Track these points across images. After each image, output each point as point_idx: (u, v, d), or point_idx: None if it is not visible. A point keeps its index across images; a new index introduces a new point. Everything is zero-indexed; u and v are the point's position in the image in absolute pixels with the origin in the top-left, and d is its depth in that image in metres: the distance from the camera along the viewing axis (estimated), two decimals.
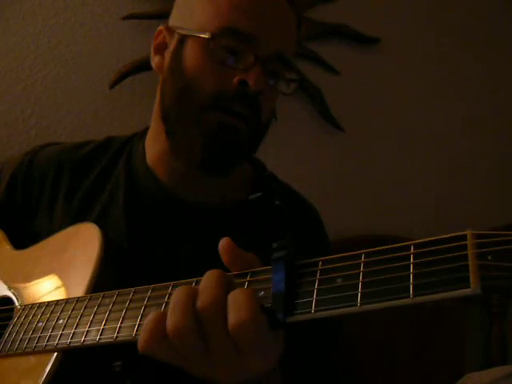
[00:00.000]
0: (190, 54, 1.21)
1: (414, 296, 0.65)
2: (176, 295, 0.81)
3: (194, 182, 1.30)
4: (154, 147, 1.34)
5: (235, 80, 1.17)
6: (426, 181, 2.64)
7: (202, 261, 0.97)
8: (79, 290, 1.07)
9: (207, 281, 0.80)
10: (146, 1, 2.36)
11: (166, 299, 0.89)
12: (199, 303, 0.78)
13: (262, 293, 0.79)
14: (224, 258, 0.84)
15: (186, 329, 0.77)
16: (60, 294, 1.12)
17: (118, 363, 1.01)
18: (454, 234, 0.66)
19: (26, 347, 1.04)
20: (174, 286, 0.90)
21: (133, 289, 0.96)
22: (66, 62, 2.31)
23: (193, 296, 0.79)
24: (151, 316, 0.81)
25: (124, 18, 2.32)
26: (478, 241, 0.63)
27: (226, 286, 0.78)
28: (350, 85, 2.56)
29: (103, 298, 0.99)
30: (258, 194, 0.81)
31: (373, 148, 2.60)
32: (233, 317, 0.75)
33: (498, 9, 2.72)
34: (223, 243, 0.84)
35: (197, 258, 1.21)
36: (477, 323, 2.49)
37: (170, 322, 0.78)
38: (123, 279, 1.12)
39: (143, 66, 2.25)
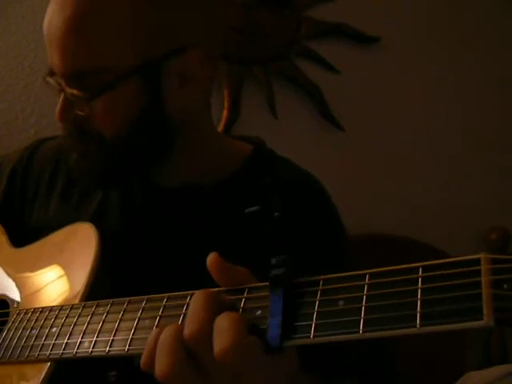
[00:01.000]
0: None
1: (421, 326, 0.62)
2: (162, 337, 0.79)
3: (167, 167, 1.26)
4: None
5: None
6: (426, 180, 2.63)
7: (194, 248, 0.96)
8: (76, 292, 1.07)
9: (194, 305, 0.78)
10: None
11: (160, 312, 0.87)
12: (187, 331, 0.76)
13: (259, 312, 0.76)
14: (213, 274, 0.81)
15: (175, 370, 0.76)
16: (57, 296, 1.11)
17: (113, 373, 1.00)
18: (466, 258, 0.62)
19: (18, 355, 1.02)
20: (169, 298, 0.88)
21: (127, 299, 0.94)
22: None
23: (179, 334, 0.77)
24: (148, 345, 0.80)
25: None
26: (492, 266, 0.59)
27: (215, 309, 0.76)
28: (350, 84, 2.54)
29: (97, 306, 0.97)
30: (256, 208, 0.79)
31: (373, 147, 2.59)
32: (216, 345, 0.72)
33: (498, 8, 2.70)
34: (211, 259, 0.81)
35: (189, 245, 1.20)
36: None
37: (159, 367, 0.77)
38: (121, 279, 1.11)
39: None
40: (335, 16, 2.49)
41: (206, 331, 0.74)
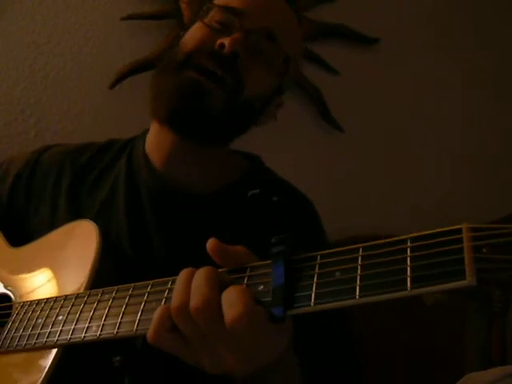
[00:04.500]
0: (194, 28, 1.31)
1: (412, 288, 0.66)
2: (179, 277, 0.85)
3: (184, 163, 1.32)
4: (150, 132, 1.39)
5: (216, 43, 1.23)
6: (425, 181, 2.64)
7: (198, 250, 0.97)
8: (78, 287, 1.08)
9: (197, 281, 0.82)
10: (146, 1, 2.36)
11: (165, 294, 0.89)
12: (192, 304, 0.79)
13: (262, 287, 0.80)
14: (215, 259, 0.85)
15: (184, 306, 0.80)
16: (59, 291, 1.12)
17: (118, 358, 1.01)
18: (449, 228, 0.68)
19: (25, 344, 1.04)
20: (173, 282, 0.90)
21: (132, 284, 0.96)
22: (66, 62, 2.31)
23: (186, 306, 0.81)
24: (160, 307, 0.84)
25: (124, 18, 2.32)
26: (473, 234, 0.65)
27: (216, 284, 0.80)
28: (350, 85, 2.56)
29: (102, 294, 0.99)
30: (257, 191, 0.82)
31: (372, 148, 2.60)
32: (228, 314, 0.76)
33: (498, 8, 2.72)
34: (210, 245, 0.85)
35: (193, 247, 1.22)
36: (477, 323, 2.48)
37: (149, 334, 0.82)
38: (122, 276, 1.12)
39: (143, 66, 2.26)
40: (335, 17, 2.52)
41: (209, 304, 0.78)
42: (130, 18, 2.32)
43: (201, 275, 0.82)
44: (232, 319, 0.75)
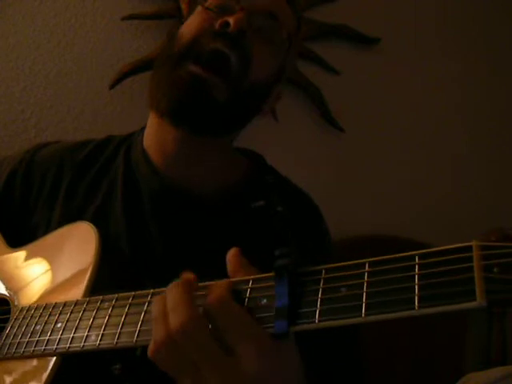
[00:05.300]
0: (191, 18, 1.28)
1: (420, 308, 0.64)
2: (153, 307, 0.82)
3: (185, 161, 1.30)
4: (148, 127, 1.36)
5: (217, 23, 1.21)
6: (426, 181, 2.64)
7: (199, 253, 0.97)
8: (77, 291, 1.07)
9: (170, 303, 0.80)
10: (146, 1, 2.36)
11: None
12: (171, 327, 0.78)
13: (265, 301, 0.78)
14: (230, 267, 0.83)
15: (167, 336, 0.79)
16: (57, 295, 1.11)
17: (118, 366, 1.00)
18: (459, 245, 0.65)
19: (24, 351, 1.02)
20: None
21: (132, 293, 0.95)
22: (66, 63, 2.31)
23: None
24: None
25: (124, 18, 2.32)
26: (483, 252, 0.62)
27: (192, 300, 0.79)
28: (350, 85, 2.56)
29: (102, 301, 0.98)
30: (261, 203, 0.81)
31: (372, 148, 2.60)
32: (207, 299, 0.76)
33: (498, 7, 2.71)
34: (233, 252, 0.83)
35: (194, 249, 1.21)
36: (477, 323, 2.48)
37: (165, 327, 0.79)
38: (121, 278, 1.12)
39: (143, 66, 2.26)
40: (335, 17, 2.51)
41: (189, 324, 0.77)
42: (130, 17, 2.32)
43: (173, 295, 0.80)
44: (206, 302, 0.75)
